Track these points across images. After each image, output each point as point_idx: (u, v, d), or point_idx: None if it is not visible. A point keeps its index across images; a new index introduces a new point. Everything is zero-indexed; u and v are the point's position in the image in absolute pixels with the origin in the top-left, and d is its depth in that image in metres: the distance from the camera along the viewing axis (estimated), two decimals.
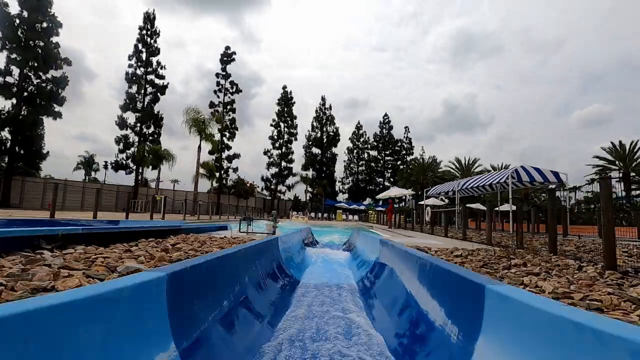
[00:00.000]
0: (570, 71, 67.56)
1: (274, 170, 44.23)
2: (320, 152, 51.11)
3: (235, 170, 39.16)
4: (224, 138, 38.11)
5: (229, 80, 38.24)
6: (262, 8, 79.06)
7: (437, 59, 76.06)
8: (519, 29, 70.89)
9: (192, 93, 68.15)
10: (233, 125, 38.62)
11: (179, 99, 64.26)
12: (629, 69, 59.02)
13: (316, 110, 51.73)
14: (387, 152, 63.01)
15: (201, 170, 28.02)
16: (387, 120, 63.32)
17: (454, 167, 43.73)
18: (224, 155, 38.05)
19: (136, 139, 30.86)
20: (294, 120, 44.86)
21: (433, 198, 29.71)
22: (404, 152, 63.94)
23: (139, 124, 31.07)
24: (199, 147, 23.94)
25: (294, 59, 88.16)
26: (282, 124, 44.46)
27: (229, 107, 38.32)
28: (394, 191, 20.08)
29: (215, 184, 38.30)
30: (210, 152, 37.76)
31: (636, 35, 57.95)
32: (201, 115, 23.54)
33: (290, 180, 45.05)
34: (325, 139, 51.04)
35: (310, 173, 49.90)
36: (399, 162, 63.41)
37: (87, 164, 49.71)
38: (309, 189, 48.34)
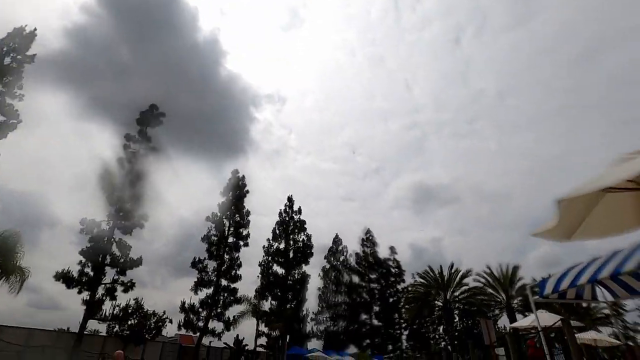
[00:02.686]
0: (519, 218, 74.75)
1: (205, 292, 26.67)
2: (284, 272, 34.81)
3: (129, 287, 21.63)
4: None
5: (146, 144, 25.23)
6: (240, 162, 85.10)
7: (401, 207, 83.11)
8: (470, 183, 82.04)
9: (158, 239, 63.90)
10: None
11: (144, 245, 55.49)
12: None
13: (280, 214, 38.05)
14: (373, 277, 47.28)
15: None
16: (369, 236, 50.21)
17: (484, 280, 28.89)
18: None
19: None
20: (246, 218, 30.36)
21: (545, 313, 14.16)
22: (393, 278, 48.61)
23: None
24: None
25: (267, 209, 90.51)
26: (226, 221, 29.59)
27: (137, 175, 23.95)
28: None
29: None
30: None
31: (562, 189, 66.10)
32: None
33: (231, 312, 27.07)
34: (291, 252, 35.65)
35: (267, 304, 32.24)
36: (388, 291, 47.13)
37: None
38: (263, 329, 29.74)
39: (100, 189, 23.06)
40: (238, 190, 30.98)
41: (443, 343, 35.97)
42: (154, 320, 22.60)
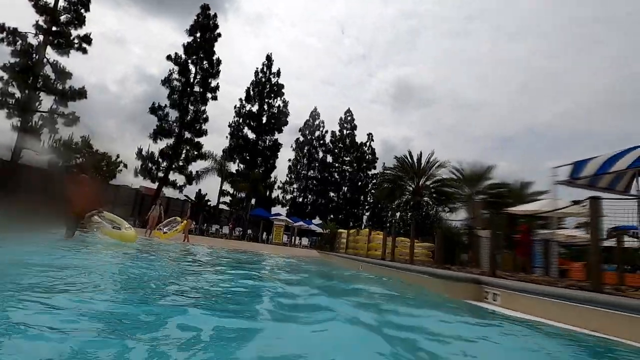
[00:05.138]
0: (490, 130, 72.97)
1: (166, 142, 24.28)
2: (255, 137, 32.53)
3: (72, 120, 18.57)
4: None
5: None
6: (218, 22, 70.39)
7: (380, 101, 77.77)
8: (449, 86, 77.17)
9: (127, 95, 58.29)
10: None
11: (111, 99, 53.94)
12: (532, 135, 66.70)
13: (255, 73, 33.60)
14: (347, 159, 46.75)
15: None
16: (349, 117, 47.63)
17: (458, 174, 28.40)
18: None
19: None
20: (216, 67, 26.05)
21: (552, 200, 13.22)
22: (366, 164, 48.37)
23: None
24: None
25: (242, 79, 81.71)
26: (192, 67, 25.30)
27: None
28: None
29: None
30: None
31: (540, 108, 64.15)
32: None
33: (195, 167, 25.45)
34: (265, 117, 32.78)
35: (234, 166, 30.79)
36: (359, 175, 47.40)
37: None
38: (229, 189, 28.98)
39: None
40: (208, 32, 25.78)
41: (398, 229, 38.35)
42: (104, 162, 20.51)
